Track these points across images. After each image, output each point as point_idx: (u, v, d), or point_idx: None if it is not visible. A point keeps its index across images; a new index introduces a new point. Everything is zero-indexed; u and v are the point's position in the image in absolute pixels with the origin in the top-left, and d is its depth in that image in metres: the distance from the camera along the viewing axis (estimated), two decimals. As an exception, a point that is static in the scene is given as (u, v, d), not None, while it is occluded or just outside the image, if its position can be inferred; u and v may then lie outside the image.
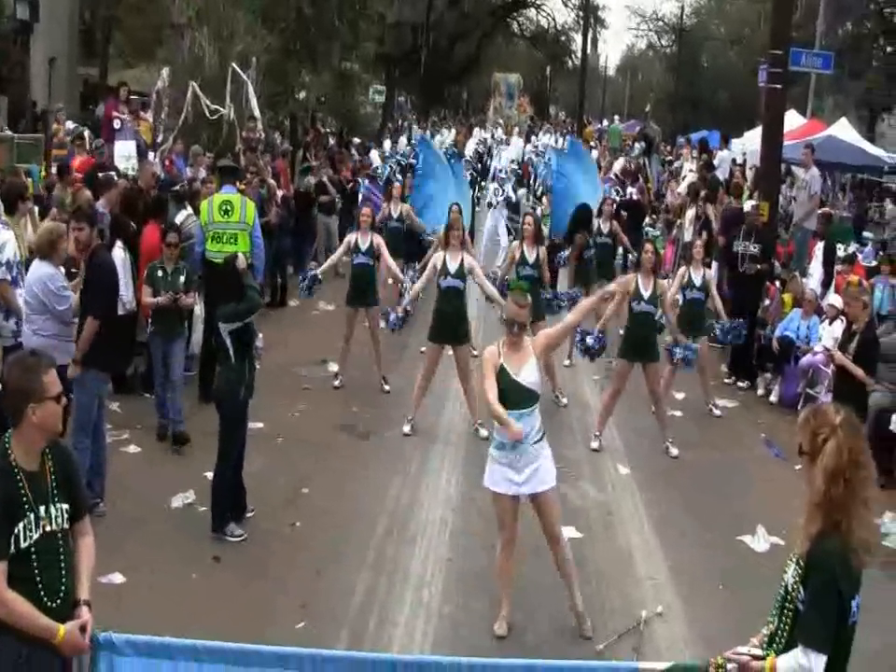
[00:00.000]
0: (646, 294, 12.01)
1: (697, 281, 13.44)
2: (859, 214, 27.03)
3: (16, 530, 4.67)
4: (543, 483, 7.79)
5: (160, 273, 11.34)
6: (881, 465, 10.21)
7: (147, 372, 12.65)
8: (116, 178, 14.37)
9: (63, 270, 9.98)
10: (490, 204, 23.69)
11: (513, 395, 7.68)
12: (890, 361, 11.85)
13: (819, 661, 4.38)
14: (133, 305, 12.18)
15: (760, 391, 15.09)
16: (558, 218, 17.54)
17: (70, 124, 21.43)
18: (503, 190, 23.56)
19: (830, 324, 13.95)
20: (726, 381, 15.58)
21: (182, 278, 11.43)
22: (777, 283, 16.19)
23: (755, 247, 15.39)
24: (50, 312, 9.54)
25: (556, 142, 33.63)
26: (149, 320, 11.47)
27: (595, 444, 12.17)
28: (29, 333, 9.64)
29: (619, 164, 29.48)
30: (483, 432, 11.85)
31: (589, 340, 12.25)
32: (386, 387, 13.82)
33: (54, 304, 9.51)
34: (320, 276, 14.07)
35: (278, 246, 18.66)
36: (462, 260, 12.28)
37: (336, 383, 13.90)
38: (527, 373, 7.73)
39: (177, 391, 11.35)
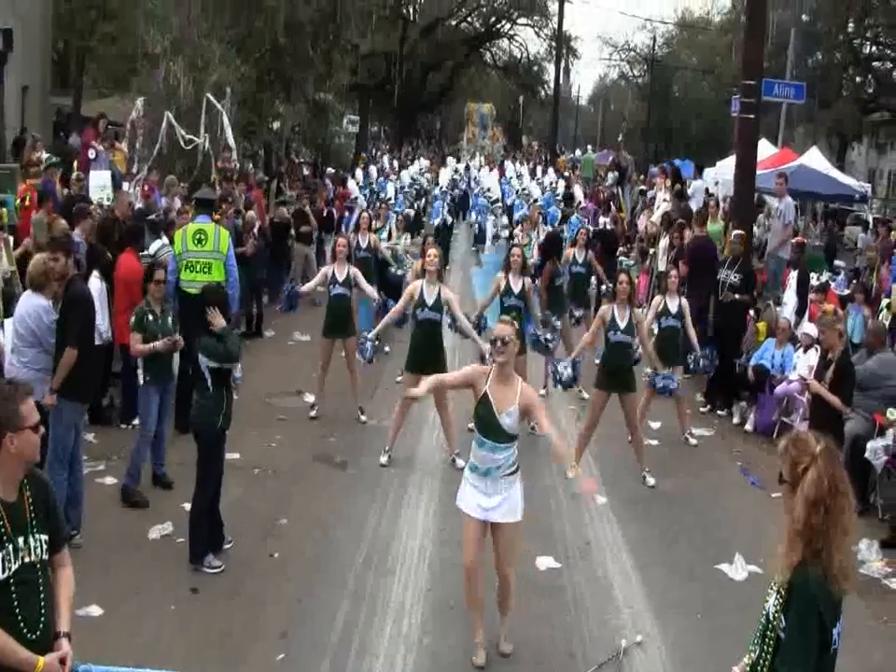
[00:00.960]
0: (622, 324, 12.03)
1: (673, 309, 13.47)
2: (830, 242, 27.24)
3: None
4: (511, 514, 7.77)
5: (150, 318, 10.63)
6: (856, 492, 10.25)
7: (123, 404, 12.61)
8: (91, 208, 14.36)
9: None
10: (496, 237, 23.89)
11: (490, 429, 7.68)
12: (865, 389, 11.93)
13: (801, 689, 4.40)
14: (109, 335, 12.16)
15: (735, 419, 15.14)
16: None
17: (44, 154, 21.34)
18: (500, 221, 23.84)
19: (805, 352, 14.05)
20: (702, 409, 15.63)
21: (170, 318, 10.99)
22: (752, 312, 16.29)
23: (736, 276, 15.49)
24: (42, 345, 9.52)
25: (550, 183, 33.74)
26: (140, 370, 10.73)
27: (570, 474, 12.17)
28: (18, 366, 9.61)
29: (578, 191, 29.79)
30: (461, 462, 11.83)
31: (561, 367, 12.29)
32: (363, 418, 13.79)
33: (47, 338, 9.51)
34: (299, 289, 14.15)
35: (254, 276, 18.67)
36: (439, 292, 12.28)
37: (312, 413, 13.87)
38: (507, 417, 7.66)
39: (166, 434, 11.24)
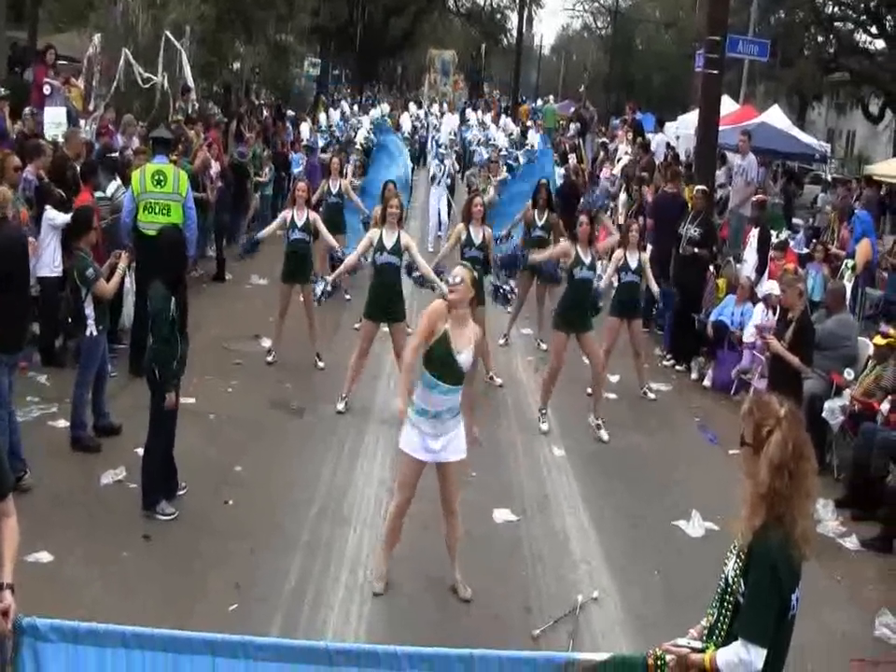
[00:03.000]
0: (586, 260, 11.93)
1: (633, 264, 13.37)
2: (788, 201, 27.29)
3: None
4: (457, 452, 7.93)
5: (92, 270, 10.29)
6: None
7: (77, 346, 12.41)
8: (45, 145, 14.07)
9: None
10: (434, 178, 23.55)
11: (447, 369, 7.72)
12: (823, 349, 11.92)
13: (758, 654, 4.39)
14: (60, 272, 11.94)
15: (693, 375, 15.15)
16: (502, 217, 16.68)
17: (-3, 88, 20.93)
18: (444, 165, 23.44)
19: (764, 310, 14.00)
20: (665, 363, 15.65)
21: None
22: (711, 268, 16.26)
23: (696, 231, 15.45)
24: None
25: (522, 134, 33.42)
26: (90, 320, 10.32)
27: (544, 426, 12.15)
28: None
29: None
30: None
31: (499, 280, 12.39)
32: (321, 364, 13.69)
33: None
34: (260, 239, 14.02)
35: (216, 220, 18.46)
36: (398, 237, 12.14)
37: (269, 359, 13.74)
38: (465, 357, 7.76)
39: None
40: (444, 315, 7.80)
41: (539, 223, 15.65)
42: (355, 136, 27.75)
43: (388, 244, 12.06)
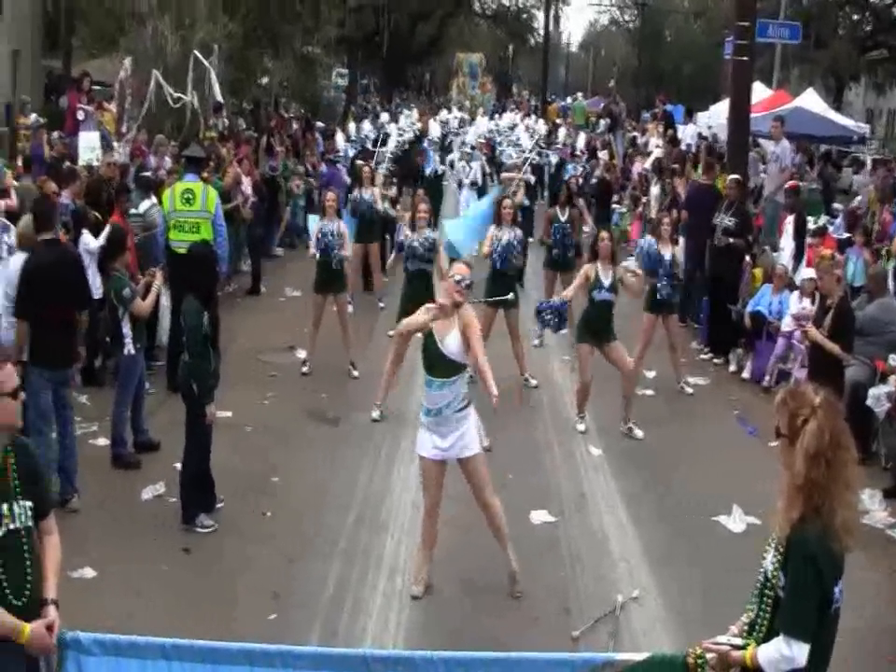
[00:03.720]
0: (606, 282, 11.78)
1: (666, 256, 13.27)
2: (826, 185, 26.99)
3: None
4: (467, 448, 7.95)
5: (129, 289, 10.45)
6: (858, 440, 10.13)
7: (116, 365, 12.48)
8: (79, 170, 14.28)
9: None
10: (460, 183, 23.45)
11: (437, 362, 7.80)
12: (866, 335, 11.73)
13: (801, 650, 4.31)
14: (100, 294, 12.03)
15: (732, 367, 15.01)
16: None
17: (33, 116, 21.21)
18: (471, 168, 23.32)
19: (800, 298, 13.83)
20: (703, 356, 15.55)
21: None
22: (748, 257, 16.10)
23: (731, 221, 15.32)
24: None
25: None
26: (127, 339, 10.41)
27: (581, 427, 12.08)
28: (7, 326, 9.49)
29: (582, 139, 29.28)
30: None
31: (545, 306, 12.15)
32: (355, 373, 13.67)
33: None
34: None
35: (249, 234, 18.54)
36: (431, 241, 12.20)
37: (304, 369, 13.76)
38: (450, 343, 7.76)
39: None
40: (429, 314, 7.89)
41: (563, 218, 15.56)
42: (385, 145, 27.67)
43: (420, 248, 12.09)
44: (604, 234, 11.99)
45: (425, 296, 12.12)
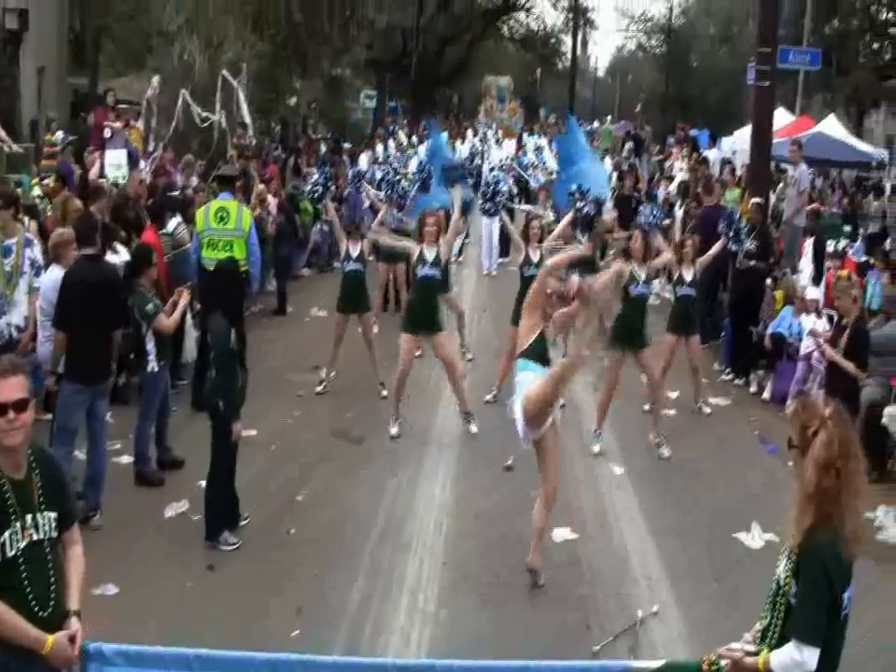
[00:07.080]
0: (641, 276, 12.00)
1: (688, 278, 13.34)
2: (852, 211, 26.99)
3: (2, 539, 4.62)
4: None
5: (154, 304, 10.53)
6: (874, 458, 10.23)
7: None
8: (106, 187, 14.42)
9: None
10: (487, 212, 23.43)
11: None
12: (882, 354, 11.82)
13: (812, 655, 4.41)
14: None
15: (752, 388, 15.06)
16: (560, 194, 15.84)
17: (60, 133, 21.39)
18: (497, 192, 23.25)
19: (807, 315, 13.92)
20: (725, 377, 15.59)
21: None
22: (769, 280, 16.16)
23: (752, 244, 15.37)
24: None
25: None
26: (151, 356, 10.48)
27: (596, 448, 12.10)
28: (42, 340, 9.61)
29: (608, 163, 29.36)
30: (474, 428, 12.01)
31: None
32: (384, 392, 13.49)
33: None
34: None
35: (275, 254, 18.61)
36: (438, 251, 12.30)
37: (318, 388, 13.81)
38: None
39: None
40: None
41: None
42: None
43: (429, 256, 12.22)
44: (636, 234, 12.20)
45: (428, 304, 12.34)
